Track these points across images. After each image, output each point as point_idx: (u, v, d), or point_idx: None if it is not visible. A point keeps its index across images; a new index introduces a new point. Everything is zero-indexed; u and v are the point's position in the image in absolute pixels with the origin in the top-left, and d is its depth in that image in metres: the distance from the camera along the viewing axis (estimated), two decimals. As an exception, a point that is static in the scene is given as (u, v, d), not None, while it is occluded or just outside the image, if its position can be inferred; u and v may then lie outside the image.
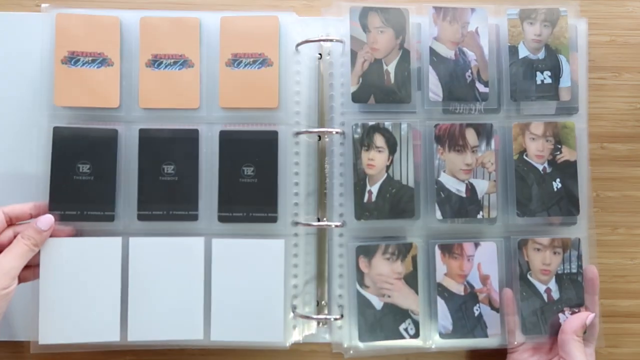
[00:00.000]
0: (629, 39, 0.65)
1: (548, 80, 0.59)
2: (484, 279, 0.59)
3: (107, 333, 0.56)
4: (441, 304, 0.58)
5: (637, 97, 0.64)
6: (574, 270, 0.58)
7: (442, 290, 0.59)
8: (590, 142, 0.62)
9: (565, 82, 0.59)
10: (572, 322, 0.56)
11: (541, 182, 0.59)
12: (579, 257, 0.58)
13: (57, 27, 0.58)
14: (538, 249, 0.58)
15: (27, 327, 0.57)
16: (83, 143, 0.57)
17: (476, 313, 0.59)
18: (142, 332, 0.56)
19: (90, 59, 0.58)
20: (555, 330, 0.58)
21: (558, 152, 0.59)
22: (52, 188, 0.57)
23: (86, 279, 0.56)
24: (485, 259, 0.59)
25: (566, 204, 0.59)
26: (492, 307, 0.59)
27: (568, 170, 0.59)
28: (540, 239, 0.58)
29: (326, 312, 0.60)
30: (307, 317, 0.59)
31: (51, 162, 0.57)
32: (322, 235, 0.61)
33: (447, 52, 0.59)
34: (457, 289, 0.59)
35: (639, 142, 0.64)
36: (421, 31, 0.60)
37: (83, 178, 0.57)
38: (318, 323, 0.60)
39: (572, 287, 0.58)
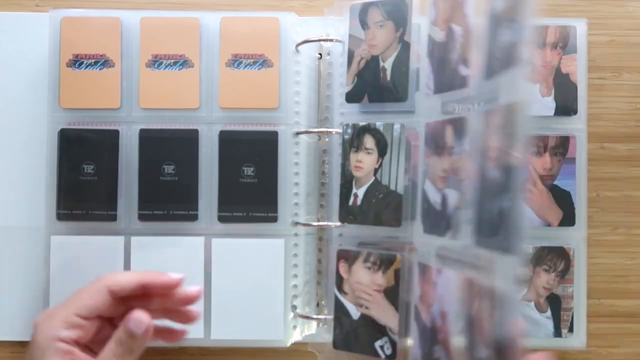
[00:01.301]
0: (629, 39, 0.62)
1: None
2: (443, 316, 0.44)
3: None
4: (414, 330, 0.49)
5: (637, 97, 0.62)
6: None
7: (417, 315, 0.48)
8: (590, 142, 0.59)
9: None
10: None
11: None
12: None
13: (63, 30, 0.56)
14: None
15: (29, 327, 0.57)
16: (87, 144, 0.56)
17: (435, 355, 0.44)
18: (144, 330, 0.56)
19: (93, 61, 0.56)
20: None
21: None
22: (59, 188, 0.56)
23: (90, 277, 0.55)
24: (445, 291, 0.45)
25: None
26: (449, 357, 0.43)
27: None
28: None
29: (326, 312, 0.58)
30: (307, 317, 0.57)
31: (58, 163, 0.56)
32: (322, 235, 0.60)
33: (439, 35, 0.50)
34: (425, 318, 0.47)
35: (639, 142, 0.61)
36: (420, 32, 0.55)
37: (88, 178, 0.56)
38: (318, 323, 0.58)
39: None
